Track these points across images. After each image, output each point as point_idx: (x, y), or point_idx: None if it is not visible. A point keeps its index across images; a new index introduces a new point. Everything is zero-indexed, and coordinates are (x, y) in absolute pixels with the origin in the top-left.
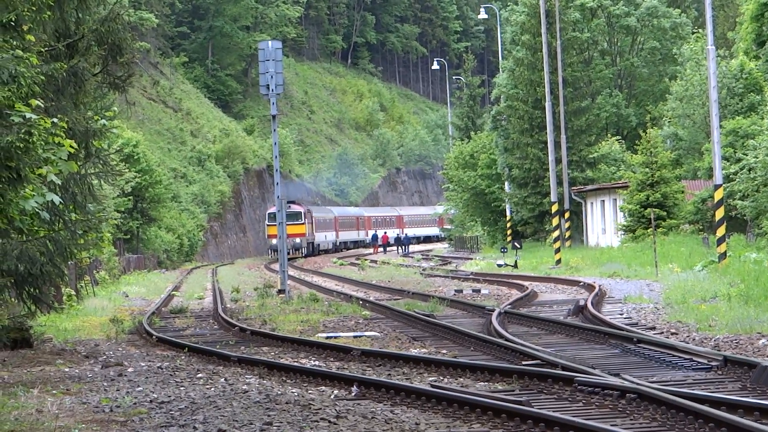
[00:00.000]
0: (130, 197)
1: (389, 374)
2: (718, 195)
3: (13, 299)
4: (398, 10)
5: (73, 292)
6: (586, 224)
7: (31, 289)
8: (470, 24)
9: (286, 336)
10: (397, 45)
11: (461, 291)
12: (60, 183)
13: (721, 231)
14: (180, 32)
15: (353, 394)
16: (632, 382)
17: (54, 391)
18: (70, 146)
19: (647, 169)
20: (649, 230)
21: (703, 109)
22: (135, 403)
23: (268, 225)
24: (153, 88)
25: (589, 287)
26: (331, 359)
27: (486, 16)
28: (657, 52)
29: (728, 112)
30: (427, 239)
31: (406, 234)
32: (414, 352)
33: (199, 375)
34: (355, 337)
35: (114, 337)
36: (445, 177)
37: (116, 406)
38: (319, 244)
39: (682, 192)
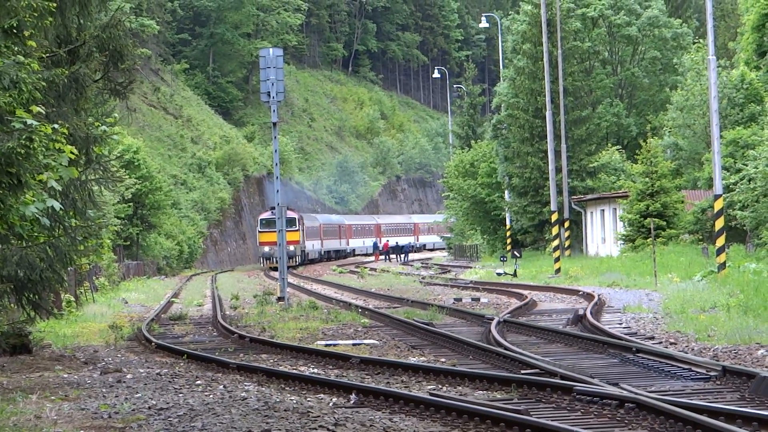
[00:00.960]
0: (130, 204)
1: (388, 382)
2: (718, 205)
3: (12, 305)
4: (399, 19)
5: (72, 299)
6: (586, 233)
7: (31, 295)
8: (471, 33)
9: (285, 343)
10: (398, 53)
11: (460, 299)
12: (60, 189)
13: (720, 241)
14: (181, 39)
15: (352, 401)
16: (631, 391)
17: (53, 397)
18: (71, 152)
19: (647, 179)
20: (648, 240)
21: (704, 119)
22: (133, 410)
23: (260, 231)
24: (154, 94)
25: (589, 296)
26: (330, 367)
27: (487, 25)
28: (658, 61)
29: (728, 123)
30: (402, 249)
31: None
32: (413, 360)
33: (198, 382)
34: (354, 344)
35: (113, 343)
36: (445, 185)
37: (115, 413)
38: (308, 253)
39: (682, 202)
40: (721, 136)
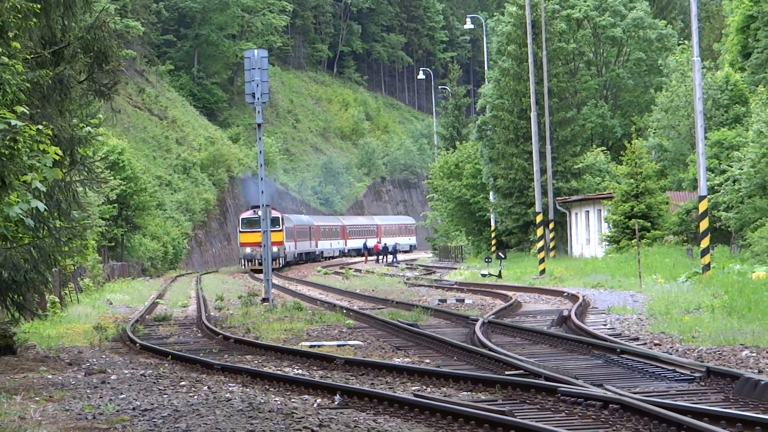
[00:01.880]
0: (115, 205)
1: (372, 383)
2: (703, 206)
3: None
4: (384, 20)
5: (57, 300)
6: (571, 235)
7: (15, 296)
8: (456, 34)
9: (269, 344)
10: (383, 54)
11: (445, 300)
12: (45, 190)
13: (705, 242)
14: (166, 40)
15: (336, 403)
16: (615, 392)
17: (37, 398)
18: (55, 153)
19: (632, 180)
20: (633, 241)
21: (689, 120)
22: (118, 411)
23: (241, 231)
24: (139, 95)
25: (573, 298)
26: (315, 368)
27: (472, 27)
28: (642, 63)
29: (713, 124)
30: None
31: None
32: (397, 361)
33: (183, 383)
34: (338, 346)
35: (97, 344)
36: (429, 186)
37: (99, 414)
38: (286, 255)
39: (667, 203)
40: (705, 138)
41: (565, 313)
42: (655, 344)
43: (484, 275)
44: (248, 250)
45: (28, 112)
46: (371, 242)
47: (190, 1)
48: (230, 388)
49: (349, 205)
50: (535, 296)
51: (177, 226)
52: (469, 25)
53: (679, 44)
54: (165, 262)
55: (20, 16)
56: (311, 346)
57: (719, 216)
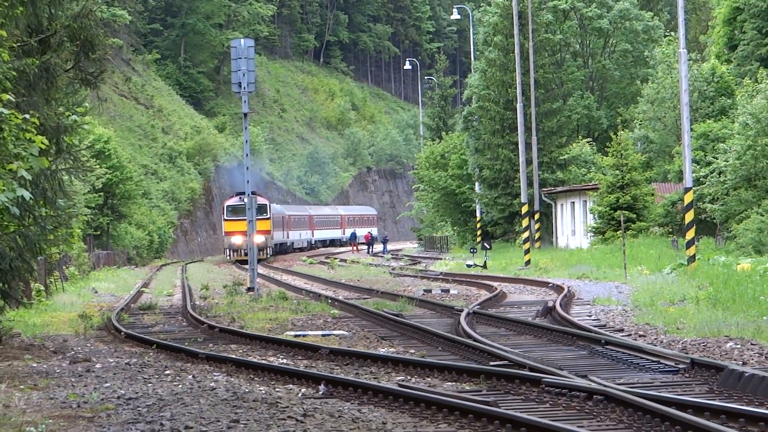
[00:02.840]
0: (101, 193)
1: (357, 373)
2: (688, 198)
3: None
4: (371, 10)
5: (42, 288)
6: (556, 226)
7: (0, 284)
8: (443, 24)
9: (254, 334)
10: (369, 44)
11: (430, 291)
12: (30, 178)
13: (690, 234)
14: (153, 29)
15: (321, 392)
16: (599, 383)
17: (21, 386)
18: (41, 142)
19: (617, 172)
20: (618, 232)
21: (674, 112)
22: (102, 399)
23: (226, 220)
24: (125, 84)
25: (558, 288)
26: (299, 357)
27: (459, 17)
28: (629, 54)
29: (699, 116)
30: (332, 243)
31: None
32: (382, 351)
33: (167, 372)
34: (323, 335)
35: (82, 332)
36: (415, 177)
37: (83, 402)
38: (273, 245)
39: (652, 195)
40: (691, 129)
41: (550, 304)
42: (640, 335)
43: (469, 266)
44: (233, 239)
45: (14, 101)
46: (361, 231)
47: None
48: (215, 378)
49: (334, 195)
50: (520, 287)
51: (163, 215)
52: (455, 16)
53: (665, 36)
54: (150, 251)
55: (6, 4)
56: (296, 336)
57: (704, 208)
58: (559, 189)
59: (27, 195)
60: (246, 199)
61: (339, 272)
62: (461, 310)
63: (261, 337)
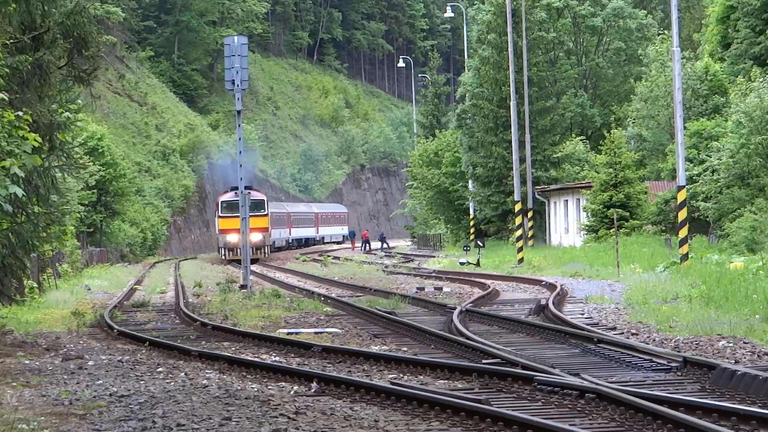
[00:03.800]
0: (94, 190)
1: (349, 371)
2: (681, 196)
3: None
4: (365, 8)
5: (35, 285)
6: (549, 224)
7: None
8: (436, 22)
9: (247, 331)
10: (363, 42)
11: (423, 289)
12: (23, 175)
13: (683, 232)
14: (146, 26)
15: (313, 390)
16: (592, 382)
17: (14, 384)
18: (35, 140)
19: (611, 170)
20: (611, 230)
21: (668, 110)
22: (95, 397)
23: (220, 217)
24: (118, 81)
25: (551, 287)
26: (292, 355)
27: (452, 15)
28: (622, 52)
29: (692, 114)
30: (307, 242)
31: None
32: (375, 349)
33: (160, 369)
34: (316, 333)
35: (75, 330)
36: (409, 174)
37: (76, 399)
38: (273, 243)
39: (646, 193)
40: (684, 128)
41: (543, 302)
42: (633, 334)
43: (462, 264)
44: (229, 237)
45: (7, 98)
46: (332, 230)
47: None
48: (207, 375)
49: (328, 192)
50: (513, 285)
51: (156, 212)
52: (449, 14)
53: (658, 34)
54: (144, 249)
55: (0, 1)
56: (289, 334)
57: (698, 206)
58: (553, 187)
59: (20, 192)
60: (241, 196)
61: (332, 270)
62: (454, 308)
63: (254, 335)
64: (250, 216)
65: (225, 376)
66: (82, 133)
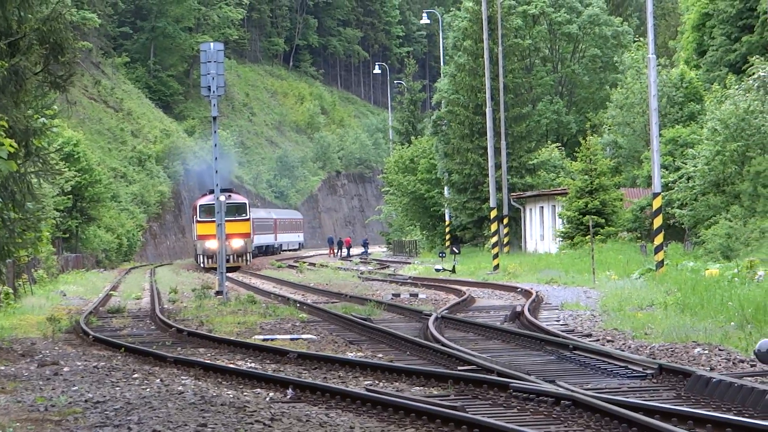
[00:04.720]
0: (70, 196)
1: (325, 377)
2: (657, 203)
3: None
4: (341, 14)
5: (10, 291)
6: (525, 230)
7: None
8: (412, 29)
9: (222, 337)
10: (339, 48)
11: (399, 295)
12: None
13: (658, 239)
14: (122, 32)
15: (288, 396)
16: (567, 389)
17: None
18: (10, 145)
19: (586, 177)
20: (587, 237)
21: (643, 117)
22: (70, 403)
23: (198, 222)
24: (94, 87)
25: (527, 293)
26: (268, 361)
27: (428, 21)
28: (598, 59)
29: (668, 121)
30: (267, 250)
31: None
32: (350, 355)
33: (135, 375)
34: (291, 339)
35: (51, 336)
36: (384, 181)
37: (51, 405)
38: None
39: (621, 200)
40: (660, 135)
41: (519, 308)
42: (608, 341)
43: (438, 270)
44: (208, 244)
45: None
46: (291, 238)
47: None
48: (183, 381)
49: (303, 198)
50: (488, 291)
51: (132, 218)
52: (425, 20)
53: (634, 41)
54: (119, 254)
55: None
56: (264, 340)
57: (673, 213)
58: (528, 194)
59: None
60: (216, 201)
61: (307, 276)
62: (429, 315)
63: (229, 341)
64: (231, 221)
65: (200, 383)
66: (58, 138)
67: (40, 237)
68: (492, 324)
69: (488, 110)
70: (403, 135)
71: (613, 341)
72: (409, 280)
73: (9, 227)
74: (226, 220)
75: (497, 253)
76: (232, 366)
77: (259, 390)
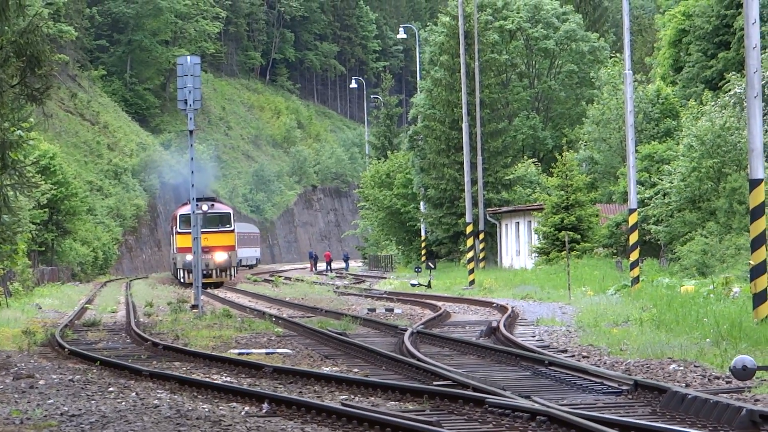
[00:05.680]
0: (46, 209)
1: (300, 392)
2: (633, 219)
3: None
4: (317, 28)
5: None
6: (501, 246)
7: None
8: (389, 43)
9: (198, 351)
10: (315, 63)
11: (374, 310)
12: None
13: (634, 255)
14: (99, 45)
15: (264, 411)
16: (543, 404)
17: None
18: None
19: (562, 192)
20: (563, 253)
21: (619, 133)
22: (45, 416)
23: (179, 233)
24: (71, 100)
25: (502, 309)
26: (243, 375)
27: (405, 36)
28: (574, 75)
29: (644, 137)
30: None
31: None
32: (326, 370)
33: (111, 389)
34: (267, 353)
35: (26, 349)
36: (360, 195)
37: (27, 419)
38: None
39: (597, 215)
40: (636, 151)
41: (494, 324)
42: (584, 356)
43: (413, 285)
44: (189, 257)
45: None
46: (247, 253)
47: (123, 6)
48: (158, 395)
49: (279, 213)
50: (464, 307)
51: (107, 231)
52: (402, 35)
53: (611, 57)
54: (95, 268)
55: None
56: (240, 354)
57: (649, 229)
58: (504, 209)
59: None
60: (192, 215)
61: (283, 290)
62: (405, 330)
63: (205, 355)
64: (214, 232)
65: (176, 396)
66: (34, 151)
67: (15, 250)
68: (467, 339)
69: (465, 125)
70: (379, 150)
71: (588, 357)
72: (384, 295)
73: None
74: (209, 232)
75: (473, 269)
76: (207, 380)
77: (234, 404)
